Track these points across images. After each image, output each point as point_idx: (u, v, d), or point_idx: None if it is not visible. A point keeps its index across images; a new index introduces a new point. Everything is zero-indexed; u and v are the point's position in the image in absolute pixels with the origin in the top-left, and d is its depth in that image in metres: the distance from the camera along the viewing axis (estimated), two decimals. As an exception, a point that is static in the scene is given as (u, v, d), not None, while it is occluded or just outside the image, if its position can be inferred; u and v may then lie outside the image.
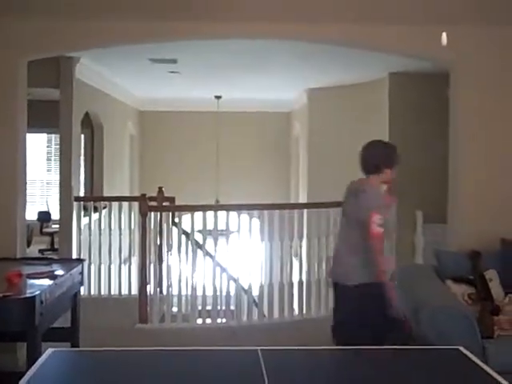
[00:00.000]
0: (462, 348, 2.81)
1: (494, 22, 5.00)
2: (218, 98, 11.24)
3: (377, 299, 3.65)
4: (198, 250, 6.12)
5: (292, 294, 6.11)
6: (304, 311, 6.21)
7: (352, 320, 3.72)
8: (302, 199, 10.67)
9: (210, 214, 6.01)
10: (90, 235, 7.13)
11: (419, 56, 5.52)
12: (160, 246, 6.41)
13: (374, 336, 3.58)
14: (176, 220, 6.25)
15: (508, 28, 5.04)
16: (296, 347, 2.96)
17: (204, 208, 6.16)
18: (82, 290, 5.40)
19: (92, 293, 6.90)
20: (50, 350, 2.73)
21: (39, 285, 3.94)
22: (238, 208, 6.32)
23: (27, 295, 3.69)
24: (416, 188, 7.92)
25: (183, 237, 6.07)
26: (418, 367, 2.72)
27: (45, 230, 10.09)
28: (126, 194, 10.58)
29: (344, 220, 4.02)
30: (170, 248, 6.25)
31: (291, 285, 6.11)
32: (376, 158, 3.88)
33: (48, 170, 12.15)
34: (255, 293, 6.15)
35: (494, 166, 5.21)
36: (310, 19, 5.00)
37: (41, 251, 9.46)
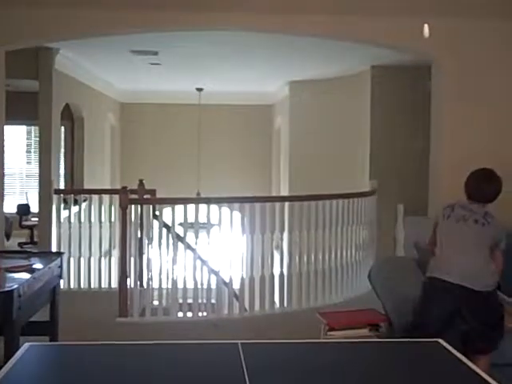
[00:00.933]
0: (440, 340, 2.82)
1: (475, 15, 5.02)
2: (200, 90, 11.20)
3: None
4: (179, 243, 6.09)
5: (273, 287, 6.11)
6: (285, 304, 6.21)
7: None
8: (284, 192, 10.68)
9: (190, 206, 5.98)
10: (69, 228, 7.07)
11: (401, 48, 5.53)
12: (141, 239, 6.37)
13: None
14: (157, 213, 6.22)
15: (489, 20, 5.06)
16: (277, 340, 2.95)
17: (185, 201, 6.13)
18: (62, 284, 5.36)
19: (72, 286, 6.86)
20: (26, 345, 2.70)
21: (17, 278, 3.89)
22: (219, 201, 6.30)
23: (5, 289, 3.64)
24: (397, 181, 7.96)
25: (164, 230, 6.04)
26: (397, 360, 2.73)
27: (24, 223, 10.02)
28: (107, 186, 10.53)
29: (472, 233, 4.07)
30: (150, 241, 6.22)
31: (272, 278, 6.11)
32: (498, 192, 4.13)
33: (28, 163, 12.04)
34: (236, 286, 6.14)
35: (476, 159, 5.22)
36: (291, 11, 4.99)
37: (20, 244, 9.39)
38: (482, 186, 4.14)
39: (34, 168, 10.48)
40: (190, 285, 5.97)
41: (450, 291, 3.92)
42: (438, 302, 3.95)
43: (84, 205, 7.40)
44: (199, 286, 5.99)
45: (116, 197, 6.75)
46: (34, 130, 11.22)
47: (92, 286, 6.92)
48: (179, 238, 6.08)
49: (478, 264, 3.96)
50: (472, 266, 3.95)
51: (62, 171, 9.22)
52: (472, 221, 4.04)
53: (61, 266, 4.73)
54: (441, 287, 3.96)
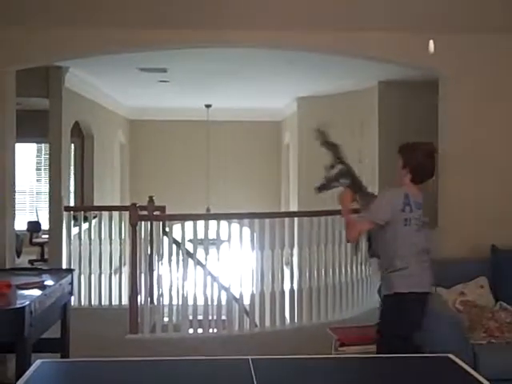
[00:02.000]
0: (451, 355, 2.81)
1: (481, 30, 5.03)
2: (208, 106, 11.25)
3: None
4: (189, 260, 6.10)
5: (283, 303, 6.10)
6: (295, 320, 6.19)
7: None
8: (293, 207, 10.67)
9: (200, 223, 5.99)
10: (80, 245, 7.09)
11: (407, 64, 5.55)
12: (151, 256, 6.38)
13: None
14: (167, 229, 6.23)
15: (495, 35, 5.07)
16: (287, 356, 2.95)
17: (195, 217, 6.15)
18: (73, 301, 5.37)
19: (82, 303, 6.87)
20: (38, 361, 2.71)
21: (29, 295, 3.91)
22: (229, 217, 6.31)
23: (16, 306, 3.65)
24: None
25: (174, 246, 6.05)
26: (408, 375, 2.72)
27: (35, 240, 10.05)
28: (117, 203, 10.56)
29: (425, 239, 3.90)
30: (160, 257, 6.23)
31: (282, 293, 6.10)
32: None
33: (38, 180, 12.11)
34: (246, 302, 6.14)
35: (484, 173, 5.23)
36: (299, 28, 5.03)
37: (31, 262, 9.41)
38: (433, 161, 3.93)
39: (44, 185, 10.52)
40: (201, 301, 5.97)
41: (422, 300, 3.83)
42: (416, 315, 3.83)
43: (94, 222, 7.43)
44: (209, 303, 5.99)
45: (126, 213, 6.78)
46: (44, 147, 11.29)
47: (102, 303, 6.92)
48: (189, 255, 6.09)
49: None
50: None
51: (71, 188, 9.27)
52: (424, 224, 3.88)
53: (71, 283, 4.75)
54: (416, 299, 3.82)
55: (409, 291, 3.77)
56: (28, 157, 11.89)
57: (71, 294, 4.80)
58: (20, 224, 8.58)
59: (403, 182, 3.90)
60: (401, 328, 3.74)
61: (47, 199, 7.55)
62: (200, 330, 5.97)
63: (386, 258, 3.88)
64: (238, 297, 6.06)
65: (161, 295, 6.09)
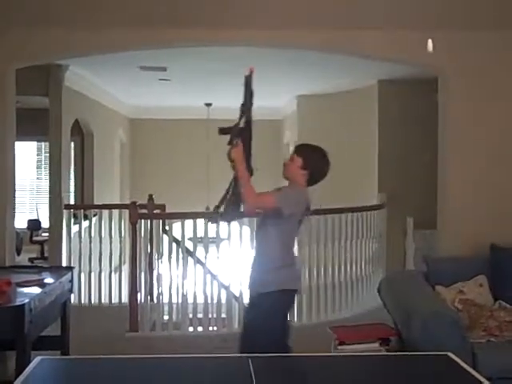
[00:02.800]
0: (450, 354, 2.81)
1: (480, 27, 5.03)
2: (209, 105, 11.24)
3: None
4: (189, 258, 6.10)
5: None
6: (295, 318, 6.19)
7: None
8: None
9: (200, 221, 6.00)
10: (80, 243, 7.10)
11: (407, 62, 5.54)
12: (150, 254, 6.39)
13: None
14: (166, 228, 6.24)
15: (495, 32, 5.06)
16: (286, 354, 2.95)
17: (194, 215, 6.15)
18: (72, 299, 5.38)
19: (82, 301, 6.88)
20: (38, 358, 2.72)
21: (28, 293, 3.92)
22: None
23: (16, 303, 3.67)
24: (406, 194, 7.96)
25: (174, 244, 6.06)
26: (407, 374, 2.72)
27: (35, 238, 10.07)
28: (117, 201, 10.56)
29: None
30: (160, 256, 6.24)
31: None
32: None
33: (38, 178, 12.12)
34: (246, 300, 6.13)
35: (483, 172, 5.24)
36: (298, 26, 5.02)
37: (31, 260, 9.42)
38: (329, 165, 3.94)
39: (45, 183, 10.53)
40: (200, 299, 5.98)
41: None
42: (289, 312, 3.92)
43: (94, 220, 7.43)
44: (209, 301, 6.00)
45: (126, 212, 6.79)
46: (45, 145, 11.30)
47: (102, 301, 6.93)
48: (189, 253, 6.09)
49: None
50: None
51: (71, 186, 9.28)
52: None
53: (71, 281, 4.76)
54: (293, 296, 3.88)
55: (295, 288, 3.85)
56: (28, 155, 11.90)
57: (71, 291, 4.82)
58: (20, 222, 8.60)
59: (299, 182, 3.80)
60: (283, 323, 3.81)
61: (47, 197, 7.56)
62: (200, 329, 5.98)
63: (272, 252, 3.77)
64: (237, 295, 6.07)
65: (161, 293, 6.10)
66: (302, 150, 3.87)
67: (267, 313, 3.71)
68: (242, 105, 3.87)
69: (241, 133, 3.76)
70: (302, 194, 3.81)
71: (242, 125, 3.75)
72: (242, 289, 6.05)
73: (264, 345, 3.47)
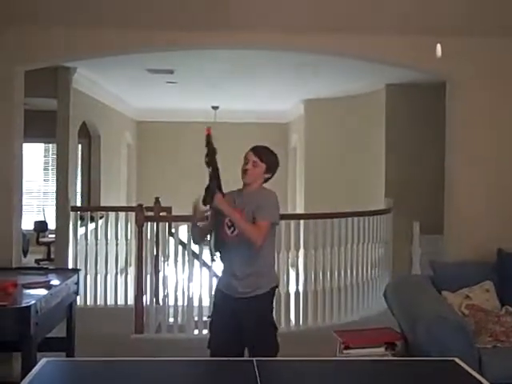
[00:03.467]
0: (457, 359, 2.80)
1: (488, 33, 5.02)
2: (215, 108, 11.26)
3: None
4: (195, 261, 6.11)
5: (289, 305, 6.10)
6: (301, 322, 6.19)
7: None
8: (299, 210, 10.67)
9: (206, 224, 5.99)
10: (86, 245, 7.11)
11: (415, 67, 5.54)
12: (156, 257, 6.40)
13: None
14: (173, 230, 6.24)
15: (503, 38, 5.06)
16: (292, 358, 2.95)
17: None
18: (78, 300, 5.39)
19: (88, 303, 6.89)
20: (44, 360, 2.72)
21: (34, 294, 3.93)
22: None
23: (22, 305, 3.68)
24: (413, 199, 7.95)
25: (180, 247, 6.06)
26: (413, 379, 2.71)
27: (41, 239, 10.08)
28: (123, 203, 10.58)
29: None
30: (166, 258, 6.24)
31: (288, 295, 6.10)
32: None
33: (45, 180, 12.14)
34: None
35: (490, 177, 5.22)
36: (305, 29, 5.02)
37: (37, 261, 9.44)
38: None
39: (52, 185, 10.56)
40: (206, 302, 5.97)
41: None
42: None
43: (100, 222, 7.44)
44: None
45: (132, 214, 6.80)
46: (52, 147, 11.33)
47: (108, 303, 6.94)
48: (195, 256, 6.09)
49: None
50: None
51: (78, 188, 9.30)
52: None
53: (77, 283, 4.77)
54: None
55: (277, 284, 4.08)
56: (35, 157, 11.93)
57: (77, 293, 4.82)
58: (27, 224, 8.61)
59: (259, 184, 3.94)
60: None
61: (54, 199, 7.58)
62: (205, 331, 5.97)
63: (269, 256, 3.94)
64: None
65: (166, 296, 6.10)
66: (264, 154, 3.99)
67: (269, 310, 3.95)
68: (206, 158, 4.22)
69: (214, 185, 3.93)
70: (276, 196, 3.95)
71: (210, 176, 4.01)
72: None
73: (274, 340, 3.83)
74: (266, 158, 3.96)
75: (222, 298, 3.99)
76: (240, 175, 4.03)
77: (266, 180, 3.97)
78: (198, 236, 4.25)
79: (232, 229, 3.82)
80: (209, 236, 4.02)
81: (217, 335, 3.93)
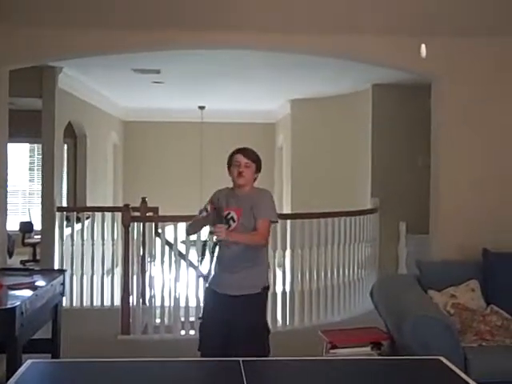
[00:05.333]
0: (442, 358, 2.82)
1: (473, 33, 5.05)
2: (202, 108, 11.25)
3: None
4: (181, 261, 6.10)
5: (275, 305, 6.10)
6: (287, 322, 6.19)
7: None
8: (286, 210, 10.68)
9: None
10: (72, 246, 7.08)
11: (400, 67, 5.56)
12: (143, 257, 6.38)
13: None
14: (159, 230, 6.23)
15: (488, 39, 5.09)
16: (278, 358, 2.95)
17: (187, 218, 6.11)
18: (64, 301, 5.36)
19: (74, 304, 6.85)
20: (29, 362, 2.71)
21: (20, 296, 3.91)
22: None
23: (7, 306, 3.66)
24: (399, 199, 7.98)
25: (166, 247, 6.05)
26: (399, 377, 2.73)
27: (27, 240, 10.02)
28: (110, 204, 10.54)
29: None
30: (152, 259, 6.23)
31: (274, 295, 6.10)
32: None
33: (30, 180, 12.08)
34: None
35: (476, 177, 5.25)
36: (291, 30, 5.03)
37: (23, 262, 9.38)
38: None
39: (37, 186, 10.50)
40: (193, 303, 5.97)
41: None
42: None
43: (87, 222, 7.41)
44: (201, 304, 5.98)
45: (118, 214, 6.77)
46: (37, 147, 11.26)
47: (94, 304, 6.91)
48: (181, 256, 6.08)
49: None
50: None
51: (64, 189, 9.25)
52: None
53: (63, 284, 4.75)
54: None
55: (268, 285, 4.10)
56: (21, 157, 11.86)
57: (63, 294, 4.80)
58: (12, 224, 8.56)
59: (252, 185, 4.07)
60: None
61: (40, 199, 7.54)
62: (192, 332, 5.96)
63: (262, 255, 4.03)
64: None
65: (153, 296, 6.09)
66: (252, 155, 4.10)
67: (262, 312, 4.04)
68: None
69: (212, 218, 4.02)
70: (271, 195, 4.07)
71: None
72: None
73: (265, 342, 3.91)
74: (254, 158, 4.08)
75: (213, 299, 4.02)
76: (226, 174, 4.07)
77: (255, 179, 4.06)
78: (193, 229, 4.38)
79: (230, 223, 3.91)
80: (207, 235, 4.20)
81: (208, 339, 3.94)
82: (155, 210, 7.35)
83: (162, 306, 6.00)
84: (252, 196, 3.97)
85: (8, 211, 5.34)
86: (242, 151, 4.06)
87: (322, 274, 6.55)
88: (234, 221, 3.93)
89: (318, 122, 9.84)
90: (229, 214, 3.96)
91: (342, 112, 9.30)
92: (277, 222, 4.18)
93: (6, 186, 5.27)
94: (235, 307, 3.85)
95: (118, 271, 7.11)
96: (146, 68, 7.51)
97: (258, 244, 3.87)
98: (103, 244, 7.17)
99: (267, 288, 4.05)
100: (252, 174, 4.02)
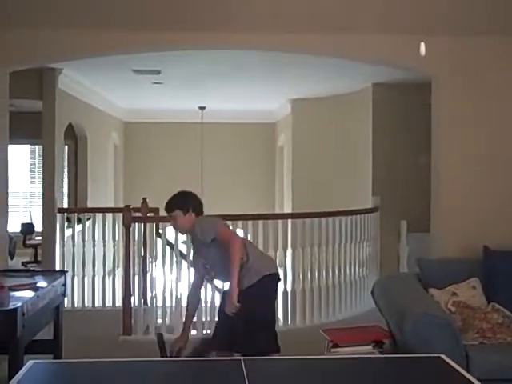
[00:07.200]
0: (443, 356, 2.82)
1: (473, 32, 5.05)
2: (202, 108, 11.25)
3: None
4: (183, 261, 6.10)
5: (277, 304, 6.09)
6: (289, 321, 6.20)
7: None
8: (287, 209, 10.68)
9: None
10: (73, 247, 7.08)
11: (400, 66, 5.56)
12: (144, 258, 6.38)
13: None
14: (160, 231, 6.23)
15: (487, 37, 5.09)
16: (280, 357, 2.96)
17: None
18: (66, 302, 5.37)
19: (76, 305, 6.86)
20: (30, 362, 2.71)
21: (21, 297, 3.91)
22: (223, 219, 6.30)
23: (9, 307, 3.66)
24: (400, 197, 7.97)
25: (167, 248, 6.05)
26: (400, 375, 2.73)
27: (28, 242, 10.02)
28: (111, 205, 10.54)
29: None
30: (154, 259, 6.23)
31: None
32: None
33: (31, 182, 12.09)
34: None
35: (476, 175, 5.25)
36: (289, 30, 5.03)
37: (24, 264, 9.39)
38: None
39: (38, 187, 10.51)
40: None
41: None
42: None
43: (87, 223, 7.42)
44: (203, 304, 5.99)
45: (119, 215, 6.78)
46: (38, 149, 11.27)
47: (96, 305, 6.92)
48: (183, 256, 6.09)
49: None
50: None
51: (65, 190, 9.25)
52: None
53: (64, 285, 4.75)
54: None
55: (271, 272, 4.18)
56: (22, 158, 11.87)
57: (64, 295, 4.80)
58: (13, 226, 8.58)
59: (193, 224, 4.13)
60: None
61: (41, 201, 7.54)
62: (193, 332, 5.96)
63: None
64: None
65: (154, 297, 6.09)
66: (171, 205, 4.15)
67: (259, 303, 4.08)
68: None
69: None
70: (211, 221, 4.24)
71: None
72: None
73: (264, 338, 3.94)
74: (175, 206, 4.13)
75: (223, 298, 4.23)
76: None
77: (197, 214, 4.16)
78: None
79: (211, 274, 4.21)
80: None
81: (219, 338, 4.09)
82: (156, 210, 7.35)
83: (164, 307, 6.00)
84: (196, 232, 4.09)
85: (9, 213, 5.34)
86: (165, 207, 4.18)
87: (324, 272, 6.55)
88: (210, 267, 4.14)
89: (318, 122, 9.84)
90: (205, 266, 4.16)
91: (343, 111, 9.30)
92: (227, 226, 4.34)
93: (7, 188, 5.27)
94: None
95: (120, 272, 7.11)
96: (146, 69, 7.52)
97: (239, 254, 3.96)
98: (104, 245, 7.18)
99: (268, 275, 4.07)
100: (183, 219, 4.11)
